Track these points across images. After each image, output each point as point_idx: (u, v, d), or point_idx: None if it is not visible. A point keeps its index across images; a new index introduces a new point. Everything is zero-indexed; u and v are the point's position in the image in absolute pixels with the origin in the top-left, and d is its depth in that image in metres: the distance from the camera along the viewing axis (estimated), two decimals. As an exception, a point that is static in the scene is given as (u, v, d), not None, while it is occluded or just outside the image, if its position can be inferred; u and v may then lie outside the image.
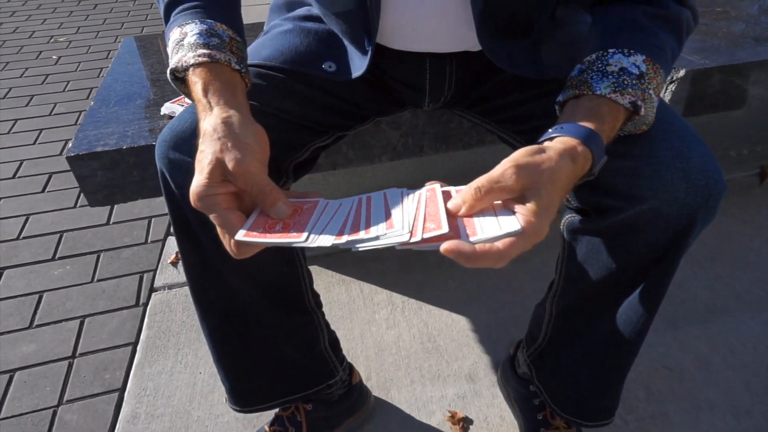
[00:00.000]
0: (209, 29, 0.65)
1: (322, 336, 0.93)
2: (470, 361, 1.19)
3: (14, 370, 1.24)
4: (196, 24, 0.66)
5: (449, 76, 0.83)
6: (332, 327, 0.97)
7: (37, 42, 3.31)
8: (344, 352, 1.01)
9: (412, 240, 0.50)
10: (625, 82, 0.59)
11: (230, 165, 0.55)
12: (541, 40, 0.77)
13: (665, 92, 1.18)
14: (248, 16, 1.47)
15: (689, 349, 1.19)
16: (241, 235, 0.54)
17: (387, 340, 1.25)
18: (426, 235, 0.50)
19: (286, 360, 0.89)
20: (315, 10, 0.82)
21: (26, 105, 2.51)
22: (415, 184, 0.59)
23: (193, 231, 0.73)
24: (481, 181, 0.52)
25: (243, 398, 0.92)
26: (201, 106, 0.61)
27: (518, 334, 1.05)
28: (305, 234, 0.54)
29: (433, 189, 0.57)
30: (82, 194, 1.84)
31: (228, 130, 0.57)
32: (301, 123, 0.79)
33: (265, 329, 0.85)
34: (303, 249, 0.87)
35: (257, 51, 0.81)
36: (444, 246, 0.48)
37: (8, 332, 1.34)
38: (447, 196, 0.56)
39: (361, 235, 0.52)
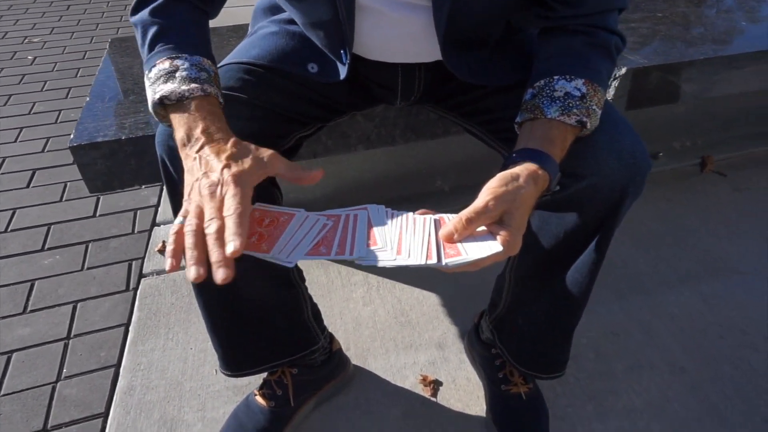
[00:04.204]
0: (198, 64, 0.74)
1: (305, 307, 1.03)
2: (440, 331, 1.31)
3: (11, 351, 1.31)
4: (186, 59, 0.73)
5: (418, 80, 0.95)
6: (313, 303, 1.07)
7: (10, 42, 3.31)
8: (324, 326, 1.11)
9: (441, 264, 0.63)
10: (570, 105, 0.72)
11: (270, 162, 0.67)
12: (496, 49, 0.90)
13: (609, 89, 1.32)
14: (234, 18, 1.57)
15: (634, 317, 1.34)
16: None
17: (363, 315, 1.36)
18: (449, 261, 0.63)
19: (274, 328, 0.99)
20: None
21: (4, 104, 2.54)
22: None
23: None
24: (468, 212, 0.64)
25: (235, 364, 1.01)
26: (187, 131, 0.69)
27: (482, 306, 1.17)
28: (275, 249, 0.63)
29: (442, 218, 0.70)
30: (67, 189, 1.91)
31: (241, 147, 0.67)
32: (287, 115, 0.89)
33: (257, 301, 0.94)
34: None
35: (246, 50, 0.91)
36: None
37: (3, 317, 1.41)
38: (437, 223, 0.69)
39: (346, 254, 0.63)
